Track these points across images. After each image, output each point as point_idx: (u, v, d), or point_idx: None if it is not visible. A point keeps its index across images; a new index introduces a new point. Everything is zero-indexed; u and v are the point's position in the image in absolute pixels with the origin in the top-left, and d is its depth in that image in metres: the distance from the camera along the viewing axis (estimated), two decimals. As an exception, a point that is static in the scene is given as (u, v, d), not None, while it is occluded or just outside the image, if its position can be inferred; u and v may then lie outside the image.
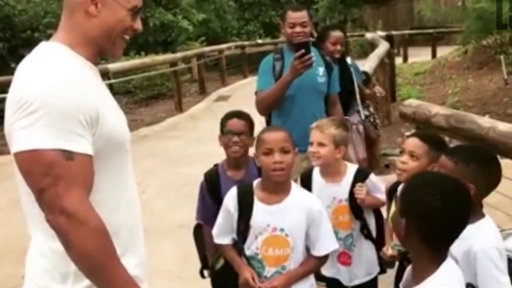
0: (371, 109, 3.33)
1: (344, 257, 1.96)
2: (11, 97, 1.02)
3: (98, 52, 1.13)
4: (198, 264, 2.03)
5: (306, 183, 1.98)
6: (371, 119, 3.28)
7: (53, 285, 1.05)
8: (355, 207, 1.90)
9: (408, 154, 1.66)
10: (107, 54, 1.19)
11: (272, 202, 1.58)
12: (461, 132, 2.34)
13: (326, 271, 1.98)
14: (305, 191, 1.72)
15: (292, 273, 1.58)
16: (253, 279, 1.56)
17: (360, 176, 1.92)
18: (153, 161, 5.01)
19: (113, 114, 1.10)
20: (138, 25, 1.15)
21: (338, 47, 2.91)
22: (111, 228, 1.01)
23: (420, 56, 11.80)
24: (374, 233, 1.96)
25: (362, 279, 1.96)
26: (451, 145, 4.24)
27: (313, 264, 1.63)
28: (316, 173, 1.98)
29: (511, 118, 5.46)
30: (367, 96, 3.34)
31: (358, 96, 3.10)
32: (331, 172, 1.94)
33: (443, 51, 11.18)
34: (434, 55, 12.07)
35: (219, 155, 2.05)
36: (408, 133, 4.27)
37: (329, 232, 1.64)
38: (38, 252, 1.08)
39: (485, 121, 2.23)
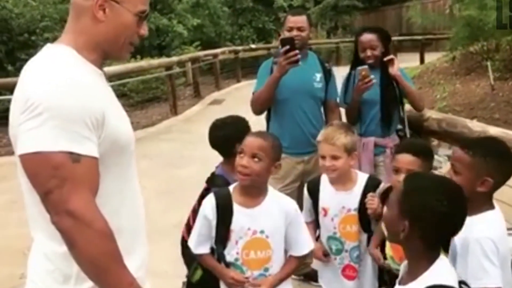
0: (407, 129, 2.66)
1: (350, 271, 1.87)
2: (18, 97, 1.01)
3: (103, 56, 1.12)
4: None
5: (313, 191, 1.91)
6: None
7: (55, 286, 1.05)
8: (364, 217, 1.82)
9: (406, 173, 1.63)
10: (113, 57, 1.18)
11: (250, 205, 1.57)
12: (452, 135, 2.41)
13: (328, 285, 1.94)
14: (279, 193, 1.68)
15: (277, 276, 1.60)
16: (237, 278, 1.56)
17: (372, 185, 1.84)
18: (148, 163, 5.00)
19: (118, 117, 1.10)
20: (145, 30, 1.14)
21: (368, 53, 2.49)
22: (113, 230, 1.01)
23: (408, 61, 11.91)
24: None
25: None
26: (440, 149, 4.30)
27: (295, 265, 1.64)
28: (324, 180, 1.88)
29: (498, 122, 5.61)
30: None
31: (403, 113, 2.60)
32: (342, 179, 1.84)
33: (431, 57, 11.32)
34: (422, 60, 12.20)
35: (213, 157, 2.08)
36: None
37: (306, 232, 1.65)
38: (40, 253, 1.08)
39: (476, 125, 2.30)
